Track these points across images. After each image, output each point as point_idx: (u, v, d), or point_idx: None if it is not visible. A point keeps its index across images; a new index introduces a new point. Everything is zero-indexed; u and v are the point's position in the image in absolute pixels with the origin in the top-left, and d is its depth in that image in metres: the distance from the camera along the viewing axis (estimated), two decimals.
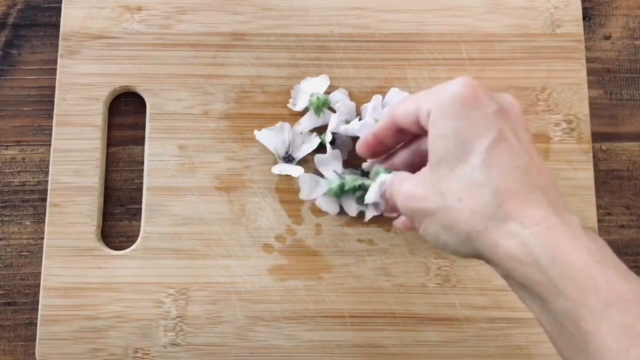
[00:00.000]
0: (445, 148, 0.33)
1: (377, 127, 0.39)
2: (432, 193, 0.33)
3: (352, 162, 0.47)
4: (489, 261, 0.33)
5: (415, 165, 0.39)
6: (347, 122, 0.46)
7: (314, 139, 0.47)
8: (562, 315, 0.30)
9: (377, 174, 0.41)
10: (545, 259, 0.30)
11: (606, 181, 0.50)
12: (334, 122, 0.46)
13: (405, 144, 0.41)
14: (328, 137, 0.46)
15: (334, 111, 0.47)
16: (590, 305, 0.29)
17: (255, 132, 0.47)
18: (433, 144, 0.34)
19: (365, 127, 0.45)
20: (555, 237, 0.30)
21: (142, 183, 0.48)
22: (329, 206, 0.45)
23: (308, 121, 0.48)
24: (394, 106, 0.38)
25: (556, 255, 0.30)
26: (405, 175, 0.37)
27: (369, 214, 0.43)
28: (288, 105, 0.48)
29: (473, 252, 0.33)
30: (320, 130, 0.48)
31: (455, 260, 0.46)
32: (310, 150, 0.47)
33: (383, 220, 0.47)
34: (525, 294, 0.32)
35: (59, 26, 0.49)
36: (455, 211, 0.32)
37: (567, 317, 0.29)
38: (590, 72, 0.50)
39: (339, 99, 0.47)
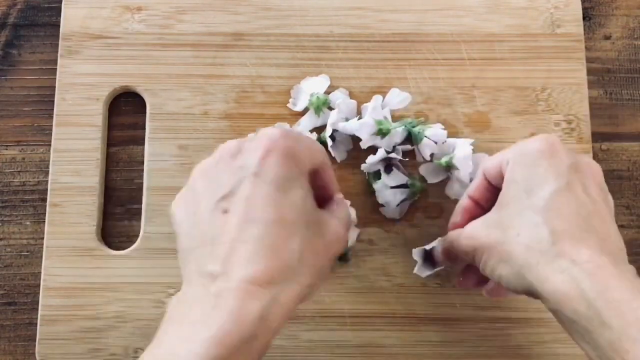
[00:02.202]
0: (514, 191, 0.36)
1: (471, 188, 0.41)
2: (493, 229, 0.36)
3: (351, 161, 0.47)
4: (539, 296, 0.34)
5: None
6: (347, 120, 0.46)
7: (313, 137, 0.47)
8: (607, 347, 0.31)
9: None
10: (592, 293, 0.31)
11: (606, 181, 0.50)
12: (334, 117, 0.46)
13: None
14: (328, 132, 0.46)
15: None
16: (632, 335, 0.30)
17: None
18: (506, 188, 0.37)
19: (365, 127, 0.45)
20: (603, 274, 0.32)
21: (142, 183, 0.48)
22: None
23: (308, 121, 0.48)
24: (483, 164, 0.41)
25: (603, 290, 0.31)
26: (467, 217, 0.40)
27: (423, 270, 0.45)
28: (288, 105, 0.48)
29: (525, 286, 0.34)
30: (321, 130, 0.48)
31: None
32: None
33: (383, 220, 0.47)
34: (573, 329, 0.33)
35: (59, 26, 0.49)
36: (512, 245, 0.35)
37: (612, 348, 0.30)
38: (590, 72, 0.50)
39: (339, 99, 0.47)
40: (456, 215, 0.42)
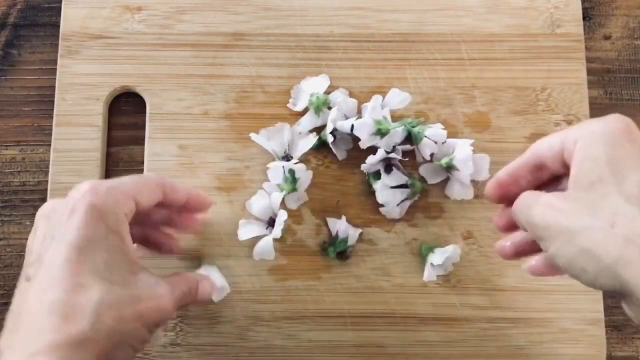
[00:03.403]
0: (598, 171, 0.32)
1: (514, 163, 0.37)
2: (580, 208, 0.32)
3: (350, 161, 0.47)
4: (632, 294, 0.30)
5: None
6: (347, 118, 0.46)
7: (311, 136, 0.47)
8: None
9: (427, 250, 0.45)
10: None
11: None
12: (334, 115, 0.46)
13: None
14: (329, 128, 0.46)
15: None
16: None
17: (252, 135, 0.47)
18: (582, 166, 0.32)
19: (364, 127, 0.45)
20: None
21: None
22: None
23: (308, 121, 0.48)
24: (536, 142, 0.36)
25: None
26: (537, 195, 0.34)
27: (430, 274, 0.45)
28: (288, 105, 0.48)
29: (615, 283, 0.30)
30: (320, 130, 0.48)
31: (455, 260, 0.46)
32: (307, 149, 0.47)
33: (383, 220, 0.47)
34: None
35: (59, 26, 0.49)
36: (604, 234, 0.30)
37: None
38: (590, 72, 0.50)
39: (339, 99, 0.47)
40: (489, 189, 0.38)
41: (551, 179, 0.36)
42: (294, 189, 0.46)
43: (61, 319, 0.31)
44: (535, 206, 0.34)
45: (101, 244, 0.33)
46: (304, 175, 0.46)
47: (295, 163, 0.46)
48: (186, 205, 0.40)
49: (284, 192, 0.45)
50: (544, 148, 0.35)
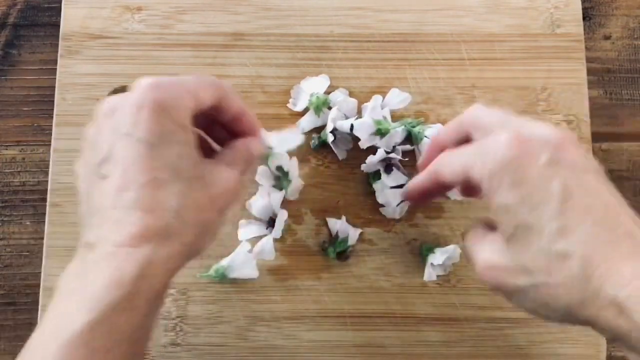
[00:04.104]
0: (514, 221, 0.31)
1: (417, 182, 0.38)
2: (515, 268, 0.32)
3: (350, 161, 0.47)
4: (597, 326, 0.30)
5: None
6: (347, 118, 0.46)
7: (298, 134, 0.45)
8: None
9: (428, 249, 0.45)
10: None
11: None
12: (334, 114, 0.46)
13: None
14: (329, 127, 0.46)
15: None
16: None
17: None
18: (499, 217, 0.33)
19: (363, 126, 0.45)
20: None
21: None
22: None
23: (308, 121, 0.48)
24: (436, 166, 0.36)
25: None
26: (482, 237, 0.35)
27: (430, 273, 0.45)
28: (288, 105, 0.48)
29: (578, 322, 0.31)
30: (320, 130, 0.48)
31: (455, 260, 0.46)
32: (294, 145, 0.45)
33: (383, 220, 0.47)
34: (637, 357, 0.30)
35: (59, 26, 0.49)
36: (548, 288, 0.31)
37: None
38: (590, 72, 0.50)
39: (339, 99, 0.47)
40: (407, 195, 0.41)
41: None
42: (288, 181, 0.46)
43: (145, 213, 0.31)
44: (477, 269, 0.34)
45: (170, 138, 0.33)
46: (290, 163, 0.46)
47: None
48: (237, 121, 0.38)
49: (283, 191, 0.45)
50: (447, 177, 0.35)
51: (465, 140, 0.37)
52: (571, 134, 0.34)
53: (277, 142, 0.41)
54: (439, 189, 0.38)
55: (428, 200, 0.39)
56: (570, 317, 0.31)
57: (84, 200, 0.34)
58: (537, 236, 0.31)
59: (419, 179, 0.38)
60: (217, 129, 0.39)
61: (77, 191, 0.35)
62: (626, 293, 0.28)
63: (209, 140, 0.39)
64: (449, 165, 0.35)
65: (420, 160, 0.41)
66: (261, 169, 0.46)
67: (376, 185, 0.46)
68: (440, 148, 0.38)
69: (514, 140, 0.32)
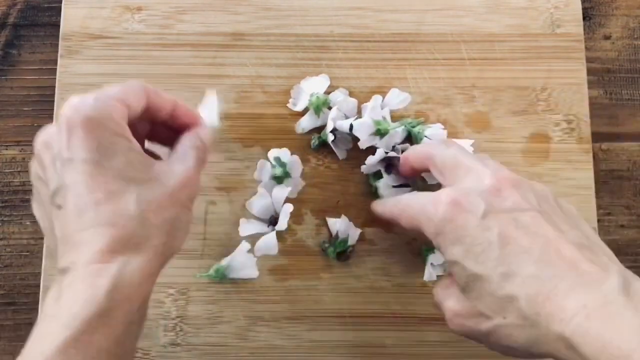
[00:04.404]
0: (464, 273, 0.34)
1: (387, 212, 0.40)
2: (475, 314, 0.34)
3: (350, 161, 0.47)
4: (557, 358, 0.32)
5: None
6: (347, 118, 0.46)
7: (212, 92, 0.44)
8: None
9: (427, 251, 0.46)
10: (591, 356, 0.29)
11: (606, 181, 0.50)
12: (334, 113, 0.46)
13: None
14: (329, 127, 0.46)
15: None
16: None
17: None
18: (451, 270, 0.35)
19: (363, 127, 0.45)
20: (594, 324, 0.29)
21: None
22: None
23: (308, 121, 0.48)
24: (400, 208, 0.38)
25: (599, 346, 0.28)
26: (447, 287, 0.37)
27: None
28: (288, 105, 0.48)
29: (541, 357, 0.32)
30: (320, 130, 0.48)
31: None
32: (215, 104, 0.43)
33: (383, 220, 0.47)
34: None
35: (59, 26, 0.49)
36: (505, 329, 0.32)
37: None
38: (590, 72, 0.50)
39: (339, 99, 0.47)
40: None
41: None
42: (286, 174, 0.46)
43: (108, 227, 0.31)
44: (446, 319, 0.36)
45: (112, 149, 0.33)
46: (291, 159, 0.46)
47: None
48: (174, 117, 0.38)
49: (289, 188, 0.46)
50: (406, 225, 0.38)
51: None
52: (509, 174, 0.35)
53: (207, 116, 0.40)
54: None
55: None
56: (532, 354, 0.32)
57: (48, 234, 0.34)
58: (487, 284, 0.32)
59: (386, 209, 0.40)
60: (161, 131, 0.39)
61: (41, 230, 0.35)
62: (570, 329, 0.29)
63: (153, 146, 0.40)
64: (404, 216, 0.38)
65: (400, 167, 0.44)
66: (261, 164, 0.46)
67: (378, 184, 0.46)
68: (410, 167, 0.42)
69: (450, 202, 0.34)
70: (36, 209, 0.36)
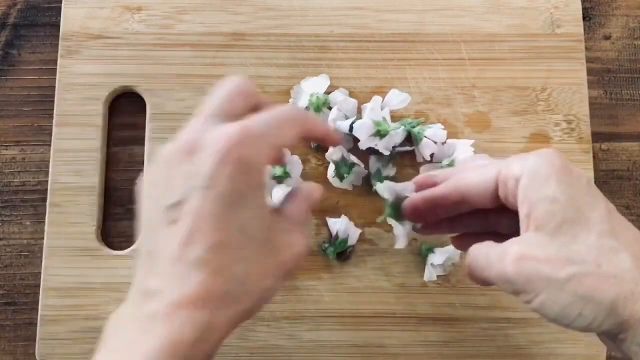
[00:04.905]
0: (560, 213, 0.31)
1: (434, 192, 0.37)
2: (559, 258, 0.31)
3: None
4: (633, 330, 0.30)
5: (470, 242, 0.35)
6: (347, 118, 0.46)
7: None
8: None
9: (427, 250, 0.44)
10: None
11: (606, 181, 0.50)
12: (334, 114, 0.46)
13: (465, 217, 0.38)
14: None
15: None
16: None
17: None
18: (541, 209, 0.32)
19: (363, 127, 0.45)
20: None
21: None
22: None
23: None
24: (460, 174, 0.36)
25: None
26: (493, 244, 0.34)
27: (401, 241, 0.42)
28: None
29: (614, 323, 0.30)
30: None
31: (455, 260, 0.46)
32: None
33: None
34: None
35: (59, 26, 0.49)
36: (596, 277, 0.30)
37: None
38: (590, 72, 0.50)
39: (339, 99, 0.47)
40: (406, 206, 0.38)
41: (468, 212, 0.37)
42: (286, 174, 0.46)
43: (209, 275, 0.30)
44: (504, 260, 0.32)
45: (248, 199, 0.32)
46: (291, 159, 0.46)
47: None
48: (320, 141, 0.38)
49: (285, 185, 0.45)
50: (472, 184, 0.35)
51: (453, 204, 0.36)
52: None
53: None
54: (450, 207, 0.37)
55: (428, 219, 0.38)
56: (612, 313, 0.30)
57: (147, 239, 0.32)
58: (586, 232, 0.31)
59: (432, 190, 0.37)
60: None
61: (138, 220, 0.33)
62: None
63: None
64: (475, 173, 0.35)
65: (407, 203, 0.39)
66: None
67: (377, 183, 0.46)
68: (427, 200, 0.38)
69: (558, 154, 0.33)
70: (145, 207, 0.33)
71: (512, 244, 0.32)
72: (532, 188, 0.32)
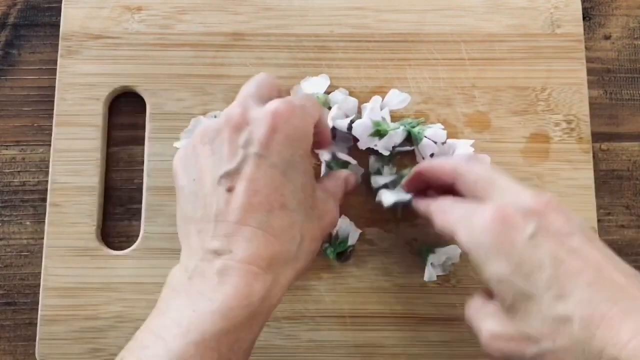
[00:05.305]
0: (510, 290, 0.32)
1: (435, 167, 0.40)
2: (520, 337, 0.32)
3: None
4: None
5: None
6: (347, 117, 0.46)
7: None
8: None
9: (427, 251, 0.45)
10: None
11: (606, 181, 0.50)
12: (334, 112, 0.46)
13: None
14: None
15: None
16: None
17: (175, 143, 0.47)
18: (494, 287, 0.33)
19: (362, 127, 0.45)
20: None
21: (142, 183, 0.48)
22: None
23: None
24: (432, 211, 0.38)
25: None
26: (482, 307, 0.35)
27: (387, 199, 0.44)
28: None
29: None
30: None
31: (455, 260, 0.46)
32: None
33: (383, 220, 0.47)
34: None
35: (59, 26, 0.49)
36: (554, 354, 0.31)
37: None
38: (590, 72, 0.50)
39: (339, 99, 0.47)
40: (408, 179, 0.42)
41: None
42: None
43: (273, 237, 0.33)
44: (480, 335, 0.34)
45: (297, 167, 0.34)
46: None
47: None
48: (316, 136, 0.40)
49: None
50: (437, 226, 0.37)
51: (447, 184, 0.38)
52: (551, 198, 0.34)
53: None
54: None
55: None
56: None
57: (200, 204, 0.34)
58: (537, 304, 0.31)
59: (420, 207, 0.40)
60: None
61: (186, 190, 0.35)
62: (626, 354, 0.28)
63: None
64: (439, 219, 0.37)
65: (404, 181, 0.43)
66: None
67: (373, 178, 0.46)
68: (424, 180, 0.41)
69: (497, 217, 0.33)
70: (182, 166, 0.36)
71: (484, 321, 0.34)
72: (478, 267, 0.33)
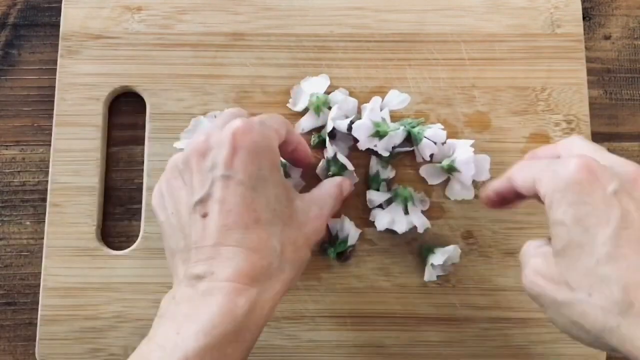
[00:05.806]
0: (566, 236, 0.32)
1: (497, 185, 0.38)
2: (558, 281, 0.32)
3: (351, 160, 0.47)
4: (624, 354, 0.31)
5: None
6: (347, 117, 0.46)
7: None
8: None
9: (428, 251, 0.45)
10: None
11: None
12: (334, 113, 0.46)
13: None
14: (329, 127, 0.46)
15: None
16: None
17: (176, 144, 0.47)
18: (553, 230, 0.33)
19: (361, 128, 0.45)
20: None
21: (142, 183, 0.48)
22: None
23: (308, 121, 0.48)
24: (513, 171, 0.37)
25: None
26: (537, 247, 0.35)
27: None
28: (288, 105, 0.48)
29: (607, 347, 0.31)
30: (320, 130, 0.48)
31: (455, 260, 0.46)
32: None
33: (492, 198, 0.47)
34: None
35: (59, 26, 0.49)
36: (585, 306, 0.31)
37: None
38: (590, 72, 0.50)
39: (339, 99, 0.47)
40: (483, 201, 0.40)
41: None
42: (287, 174, 0.46)
43: (252, 252, 0.34)
44: (524, 273, 0.35)
45: (268, 179, 0.35)
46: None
47: None
48: (295, 152, 0.41)
49: None
50: (519, 184, 0.36)
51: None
52: None
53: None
54: (513, 196, 0.38)
55: (504, 206, 0.40)
56: (601, 340, 0.31)
57: (180, 237, 0.36)
58: (586, 256, 0.31)
59: (496, 183, 0.38)
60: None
61: (166, 225, 0.37)
62: None
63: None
64: (522, 173, 0.36)
65: (484, 193, 0.40)
66: None
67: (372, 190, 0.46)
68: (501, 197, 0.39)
69: (583, 165, 0.32)
70: (159, 204, 0.37)
71: (534, 258, 0.34)
72: (549, 210, 0.33)
